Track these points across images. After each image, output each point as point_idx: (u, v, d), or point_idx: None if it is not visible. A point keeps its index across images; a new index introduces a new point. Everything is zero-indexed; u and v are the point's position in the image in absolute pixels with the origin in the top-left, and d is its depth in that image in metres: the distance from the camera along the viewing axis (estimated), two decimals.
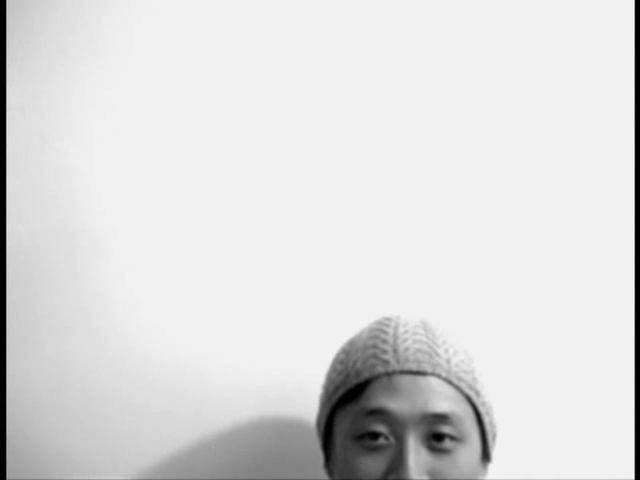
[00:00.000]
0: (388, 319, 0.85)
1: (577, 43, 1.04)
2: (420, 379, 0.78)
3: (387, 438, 0.77)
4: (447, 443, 0.77)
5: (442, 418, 0.77)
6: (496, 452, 0.86)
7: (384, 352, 0.80)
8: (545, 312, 1.02)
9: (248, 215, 1.04)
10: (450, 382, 0.79)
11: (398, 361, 0.79)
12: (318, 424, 0.86)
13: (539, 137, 1.04)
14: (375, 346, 0.81)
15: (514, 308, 1.02)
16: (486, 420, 0.82)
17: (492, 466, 0.86)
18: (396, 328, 0.83)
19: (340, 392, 0.81)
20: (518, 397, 1.01)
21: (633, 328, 0.98)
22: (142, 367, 1.03)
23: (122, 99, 1.05)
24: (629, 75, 1.03)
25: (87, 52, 1.05)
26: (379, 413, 0.77)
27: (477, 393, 0.81)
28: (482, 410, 0.81)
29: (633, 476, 0.92)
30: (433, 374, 0.79)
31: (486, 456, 0.83)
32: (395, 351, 0.80)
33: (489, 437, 0.83)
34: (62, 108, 1.04)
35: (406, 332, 0.82)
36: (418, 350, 0.80)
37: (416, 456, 0.76)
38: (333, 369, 0.85)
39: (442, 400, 0.78)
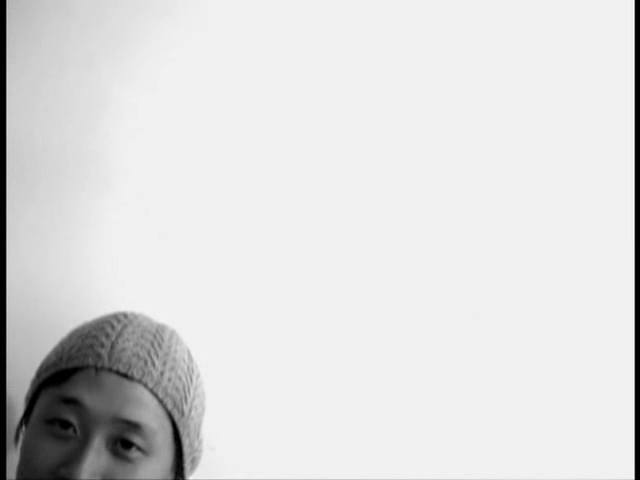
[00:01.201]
0: (125, 315, 0.84)
1: (576, 45, 1.05)
2: (127, 383, 0.77)
3: (75, 431, 0.76)
4: (133, 453, 0.76)
5: (134, 427, 0.76)
6: (496, 452, 0.87)
7: (101, 346, 0.79)
8: (545, 312, 1.02)
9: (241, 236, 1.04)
10: (155, 394, 0.78)
11: (110, 359, 0.78)
12: (25, 399, 0.85)
13: (538, 139, 1.05)
14: (96, 337, 0.80)
15: (514, 309, 1.03)
16: (186, 442, 0.81)
17: (491, 466, 0.87)
18: (125, 327, 0.82)
19: (49, 373, 0.80)
20: (518, 397, 1.00)
21: (633, 328, 0.99)
22: None
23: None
24: (629, 76, 1.04)
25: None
26: (74, 403, 0.76)
27: (182, 413, 0.80)
28: (183, 431, 0.80)
29: (633, 476, 0.92)
30: (140, 382, 0.77)
31: (180, 476, 0.83)
32: (112, 348, 0.79)
33: (186, 458, 0.82)
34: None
35: (133, 333, 0.81)
36: (135, 354, 0.79)
37: (95, 457, 0.75)
38: (54, 348, 0.84)
39: (140, 409, 0.77)
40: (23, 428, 0.84)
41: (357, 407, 1.02)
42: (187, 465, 0.83)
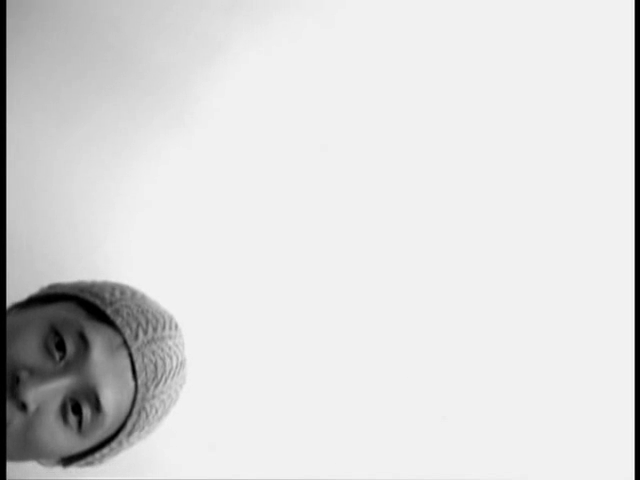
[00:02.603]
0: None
1: (575, 46, 1.04)
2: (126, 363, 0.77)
3: (60, 359, 0.75)
4: (71, 420, 0.75)
5: (97, 408, 0.76)
6: (494, 452, 0.92)
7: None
8: (545, 313, 1.02)
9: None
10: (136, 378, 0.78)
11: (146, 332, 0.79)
12: (50, 288, 0.85)
13: (536, 143, 1.04)
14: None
15: (514, 309, 1.03)
16: (121, 435, 0.81)
17: (490, 467, 0.91)
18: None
19: (92, 298, 0.80)
20: (518, 397, 1.01)
21: (633, 329, 0.98)
22: None
23: None
24: (629, 77, 1.02)
25: None
26: (85, 348, 0.76)
27: (145, 400, 0.80)
28: (129, 424, 0.80)
29: (633, 476, 0.92)
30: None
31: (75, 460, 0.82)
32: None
33: (102, 451, 0.82)
34: None
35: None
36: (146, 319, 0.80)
37: (52, 392, 0.73)
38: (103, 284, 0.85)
39: (117, 395, 0.77)
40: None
41: (357, 407, 1.03)
42: (95, 458, 0.82)
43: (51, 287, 0.84)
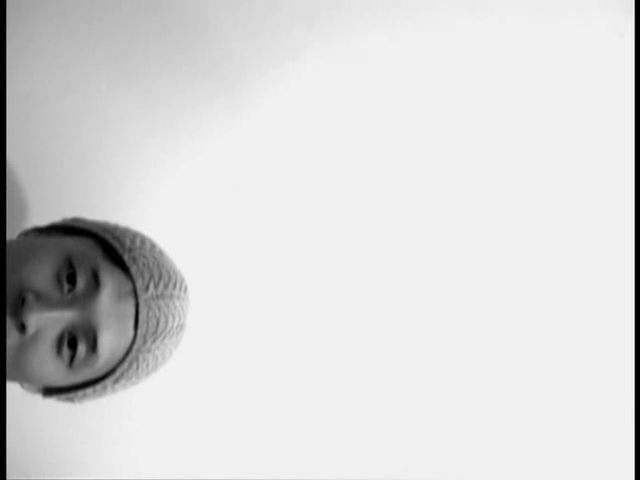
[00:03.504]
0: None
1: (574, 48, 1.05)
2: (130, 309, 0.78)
3: (69, 292, 0.76)
4: (63, 354, 0.76)
5: (92, 346, 0.76)
6: (495, 453, 0.93)
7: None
8: (545, 313, 1.04)
9: None
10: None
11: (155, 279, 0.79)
12: (70, 221, 0.85)
13: (535, 147, 1.05)
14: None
15: (513, 310, 1.05)
16: (108, 380, 0.81)
17: (488, 467, 0.92)
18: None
19: (113, 239, 0.80)
20: (517, 397, 1.03)
21: (633, 329, 0.99)
22: None
23: None
24: (630, 80, 1.03)
25: None
26: (95, 287, 0.76)
27: (143, 343, 0.80)
28: (119, 369, 0.81)
29: (633, 476, 0.92)
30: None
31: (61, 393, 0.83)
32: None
33: (86, 390, 0.82)
34: None
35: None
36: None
37: (55, 320, 0.74)
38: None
39: (113, 338, 0.78)
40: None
41: (356, 406, 1.06)
42: (77, 395, 0.82)
43: (74, 220, 0.84)
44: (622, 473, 0.98)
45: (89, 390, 0.81)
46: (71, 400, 0.83)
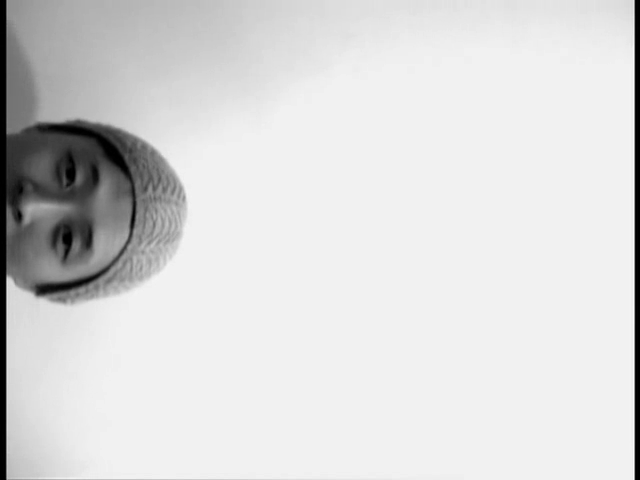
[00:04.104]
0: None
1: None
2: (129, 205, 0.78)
3: (67, 186, 0.76)
4: (58, 246, 0.76)
5: (87, 242, 0.77)
6: (494, 453, 0.95)
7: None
8: (545, 314, 1.06)
9: None
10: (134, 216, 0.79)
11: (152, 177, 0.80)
12: (77, 121, 0.86)
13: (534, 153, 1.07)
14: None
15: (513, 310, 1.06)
16: (101, 279, 0.82)
17: (488, 466, 0.94)
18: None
19: (109, 135, 0.81)
20: (518, 397, 1.05)
21: (633, 330, 1.00)
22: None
23: None
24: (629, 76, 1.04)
25: None
26: (94, 180, 0.77)
27: (139, 239, 0.80)
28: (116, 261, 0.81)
29: (633, 476, 0.93)
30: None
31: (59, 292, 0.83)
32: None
33: (89, 286, 0.82)
34: None
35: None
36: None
37: (49, 210, 0.74)
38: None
39: (110, 234, 0.78)
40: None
41: (356, 406, 1.08)
42: (69, 295, 0.82)
43: (78, 121, 0.85)
44: (622, 473, 1.01)
45: (81, 289, 0.81)
46: (63, 300, 0.83)
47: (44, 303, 0.86)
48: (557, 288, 1.06)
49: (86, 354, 1.07)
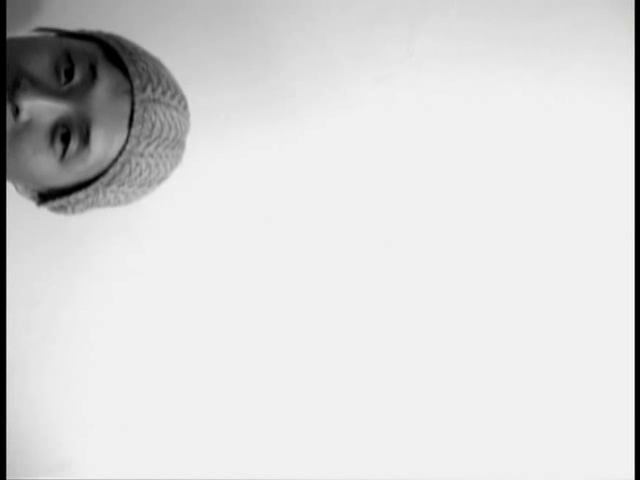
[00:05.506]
0: None
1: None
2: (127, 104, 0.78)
3: (65, 84, 0.76)
4: (56, 146, 0.76)
5: (83, 145, 0.77)
6: (494, 453, 1.00)
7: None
8: (546, 313, 1.09)
9: None
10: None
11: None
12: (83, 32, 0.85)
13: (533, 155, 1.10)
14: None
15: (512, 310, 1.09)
16: (100, 184, 0.81)
17: (488, 466, 0.99)
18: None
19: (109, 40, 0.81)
20: (518, 397, 1.08)
21: (633, 330, 1.01)
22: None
23: None
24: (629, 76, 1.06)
25: None
26: (92, 80, 0.77)
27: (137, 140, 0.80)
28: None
29: (633, 476, 0.95)
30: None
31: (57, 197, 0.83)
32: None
33: (90, 190, 0.81)
34: None
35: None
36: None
37: (47, 107, 0.74)
38: None
39: (109, 136, 0.78)
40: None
41: (356, 406, 1.11)
42: (69, 202, 0.81)
43: (80, 30, 0.84)
44: (622, 472, 1.02)
45: (81, 194, 0.80)
46: (64, 209, 0.82)
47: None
48: (557, 288, 1.08)
49: (73, 352, 1.06)
